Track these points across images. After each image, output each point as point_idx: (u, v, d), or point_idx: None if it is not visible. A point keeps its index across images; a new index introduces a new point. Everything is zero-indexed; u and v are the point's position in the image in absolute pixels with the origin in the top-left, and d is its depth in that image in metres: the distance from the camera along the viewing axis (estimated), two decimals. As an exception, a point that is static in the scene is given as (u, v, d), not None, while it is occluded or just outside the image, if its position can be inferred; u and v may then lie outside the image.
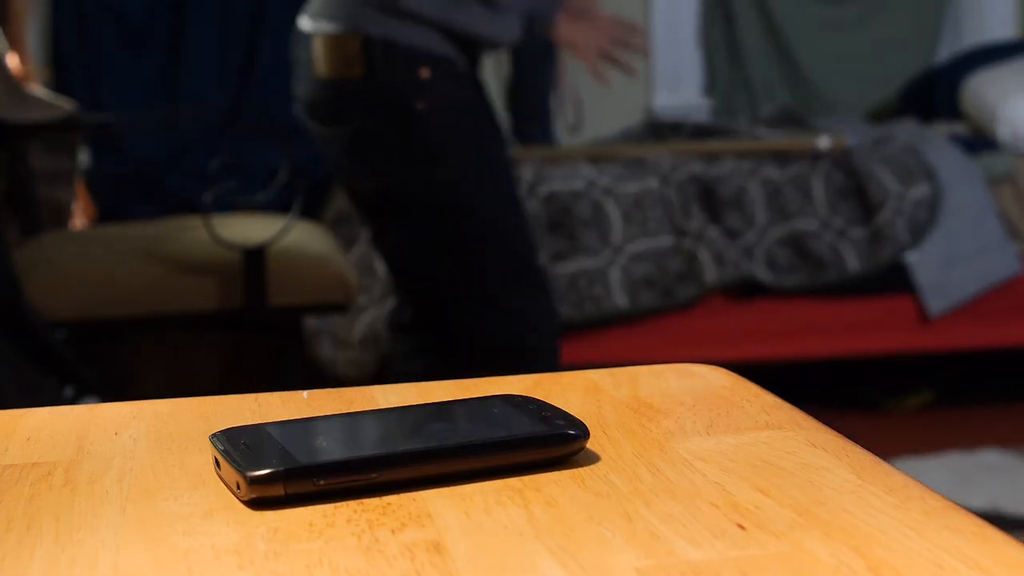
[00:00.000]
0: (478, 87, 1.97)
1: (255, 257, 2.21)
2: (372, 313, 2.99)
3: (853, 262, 3.12)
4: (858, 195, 3.16)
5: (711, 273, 3.05)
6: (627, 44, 2.06)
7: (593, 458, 0.56)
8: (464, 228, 1.91)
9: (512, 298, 1.93)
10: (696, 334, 3.08)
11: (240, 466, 0.52)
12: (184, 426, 0.63)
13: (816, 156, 3.18)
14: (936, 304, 3.11)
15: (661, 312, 3.06)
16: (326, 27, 1.86)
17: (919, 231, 3.13)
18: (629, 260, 3.05)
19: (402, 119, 1.85)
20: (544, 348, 1.97)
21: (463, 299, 1.94)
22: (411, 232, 1.95)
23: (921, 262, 3.13)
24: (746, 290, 3.11)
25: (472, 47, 1.91)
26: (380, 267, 3.01)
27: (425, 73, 1.83)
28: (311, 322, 2.97)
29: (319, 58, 1.87)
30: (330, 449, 0.55)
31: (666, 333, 3.07)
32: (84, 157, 3.39)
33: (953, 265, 3.13)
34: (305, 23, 1.91)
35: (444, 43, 1.86)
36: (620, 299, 3.03)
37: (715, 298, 3.10)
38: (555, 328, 2.00)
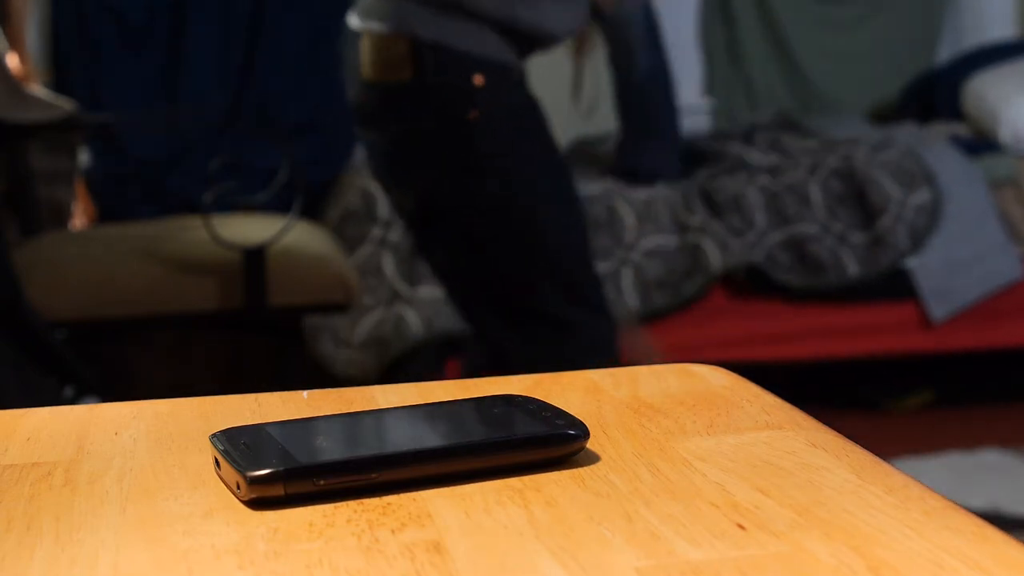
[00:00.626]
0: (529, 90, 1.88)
1: (255, 257, 2.21)
2: (377, 315, 2.97)
3: (853, 267, 3.12)
4: (858, 200, 3.16)
5: (716, 260, 3.04)
6: None
7: (593, 458, 0.56)
8: (515, 241, 1.81)
9: (568, 312, 1.82)
10: (699, 338, 3.08)
11: (240, 466, 0.52)
12: (184, 426, 0.63)
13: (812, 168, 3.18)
14: (939, 310, 3.11)
15: (671, 312, 3.06)
16: (375, 26, 1.77)
17: (919, 237, 3.13)
18: (642, 257, 3.05)
19: (452, 127, 1.77)
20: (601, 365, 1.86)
21: (513, 315, 1.84)
22: (456, 245, 1.86)
23: (923, 267, 3.12)
24: (751, 282, 3.10)
25: (530, 44, 1.81)
26: (387, 268, 3.00)
27: (479, 80, 1.75)
28: (313, 321, 2.96)
29: (366, 58, 1.79)
30: (330, 449, 0.55)
31: (668, 336, 3.07)
32: (84, 157, 3.39)
33: (955, 270, 3.13)
34: (354, 21, 1.83)
35: (501, 45, 1.76)
36: (632, 301, 3.03)
37: (719, 300, 3.10)
38: (613, 346, 1.88)
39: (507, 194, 1.81)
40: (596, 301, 1.88)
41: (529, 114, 1.84)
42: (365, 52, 1.79)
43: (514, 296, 1.85)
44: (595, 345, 1.86)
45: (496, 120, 1.78)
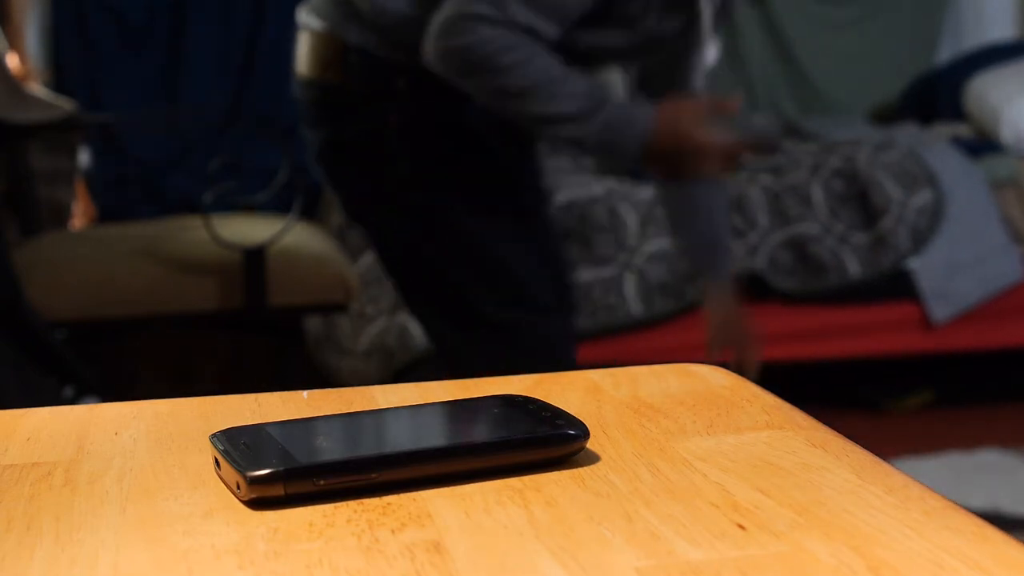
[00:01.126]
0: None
1: (255, 257, 2.21)
2: (380, 324, 2.95)
3: (855, 267, 3.12)
4: (860, 201, 3.16)
5: None
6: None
7: (593, 458, 0.56)
8: (443, 247, 1.77)
9: (505, 315, 1.77)
10: (699, 339, 3.07)
11: (240, 466, 0.52)
12: (184, 426, 0.63)
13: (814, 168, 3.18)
14: (940, 311, 3.11)
15: (674, 316, 3.05)
16: (313, 24, 1.77)
17: (921, 239, 3.13)
18: (644, 261, 3.04)
19: (375, 132, 1.74)
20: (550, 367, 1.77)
21: (451, 316, 1.80)
22: (385, 248, 1.84)
23: (924, 269, 3.12)
24: (751, 288, 3.10)
25: None
26: None
27: (402, 84, 1.71)
28: (316, 329, 2.95)
29: (302, 54, 1.78)
30: (330, 449, 0.55)
31: (669, 338, 3.06)
32: (84, 157, 3.39)
33: (956, 272, 3.13)
34: (300, 15, 1.82)
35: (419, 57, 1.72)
36: (635, 307, 3.02)
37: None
38: (561, 346, 1.83)
39: (430, 204, 1.76)
40: (543, 302, 1.82)
41: (458, 120, 1.77)
42: (302, 47, 1.78)
43: (448, 299, 1.81)
44: (539, 346, 1.81)
45: (421, 126, 1.74)
